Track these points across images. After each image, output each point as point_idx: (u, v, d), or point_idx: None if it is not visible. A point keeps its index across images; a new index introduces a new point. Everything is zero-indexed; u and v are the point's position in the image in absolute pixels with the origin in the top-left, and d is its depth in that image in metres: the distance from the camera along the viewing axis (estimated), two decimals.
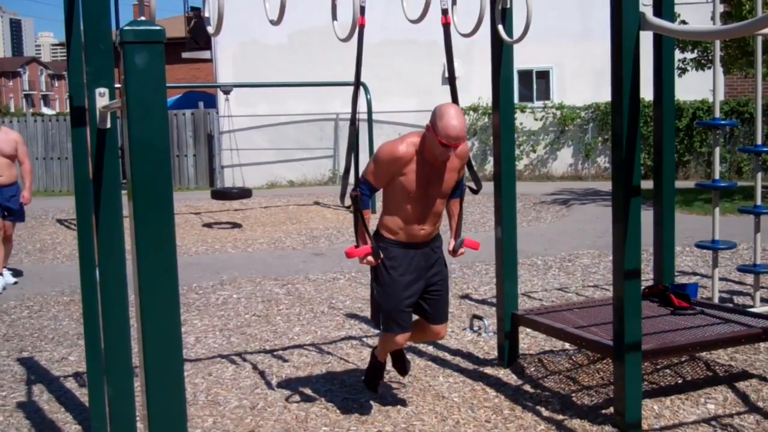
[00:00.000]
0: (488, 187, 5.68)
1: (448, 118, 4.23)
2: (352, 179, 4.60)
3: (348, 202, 4.61)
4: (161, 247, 2.63)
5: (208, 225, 13.81)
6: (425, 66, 18.62)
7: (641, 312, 4.40)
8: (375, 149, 16.09)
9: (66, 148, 19.25)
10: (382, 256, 4.50)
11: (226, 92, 14.13)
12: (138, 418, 3.88)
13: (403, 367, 4.99)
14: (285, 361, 5.86)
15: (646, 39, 4.46)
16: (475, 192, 4.72)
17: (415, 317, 4.69)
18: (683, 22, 13.47)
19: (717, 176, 6.39)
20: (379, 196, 4.72)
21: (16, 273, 9.14)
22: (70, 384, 5.52)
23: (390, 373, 5.21)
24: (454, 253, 4.73)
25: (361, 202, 4.48)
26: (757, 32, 4.71)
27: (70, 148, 4.22)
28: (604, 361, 5.43)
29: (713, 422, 4.51)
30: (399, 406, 4.87)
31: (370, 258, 4.48)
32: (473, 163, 4.95)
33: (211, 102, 19.98)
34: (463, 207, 4.84)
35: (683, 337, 4.87)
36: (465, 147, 4.51)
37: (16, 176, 8.87)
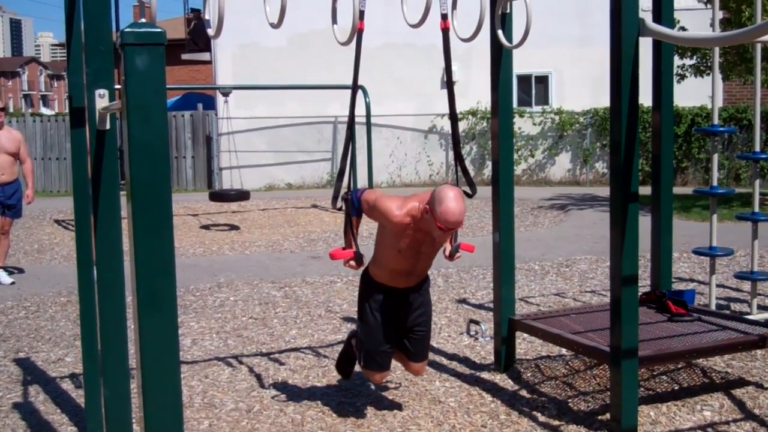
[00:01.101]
0: (486, 191, 5.69)
1: (447, 202, 4.11)
2: (345, 182, 4.61)
3: (340, 203, 4.63)
4: (159, 248, 2.63)
5: (206, 227, 13.81)
6: (424, 70, 18.64)
7: (638, 318, 4.40)
8: (373, 153, 16.00)
9: (65, 148, 19.24)
10: (369, 296, 4.58)
11: (225, 94, 14.14)
12: (134, 420, 3.87)
13: (347, 372, 5.09)
14: (281, 364, 5.86)
15: (646, 45, 4.47)
16: (469, 196, 4.73)
17: None
18: (682, 28, 13.51)
19: (715, 183, 6.39)
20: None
21: (19, 271, 9.14)
22: (67, 385, 5.51)
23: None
24: (450, 257, 4.74)
25: (351, 207, 4.50)
26: (756, 39, 4.72)
27: (69, 148, 4.22)
28: (601, 367, 5.43)
29: (709, 429, 4.51)
30: (395, 410, 4.87)
31: (352, 262, 4.54)
32: (469, 168, 4.94)
33: (210, 104, 19.99)
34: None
35: (680, 344, 4.87)
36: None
37: (17, 174, 8.96)
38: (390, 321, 4.58)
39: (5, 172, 8.77)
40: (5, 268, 9.02)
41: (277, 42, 18.41)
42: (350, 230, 4.55)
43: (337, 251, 4.57)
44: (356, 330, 4.78)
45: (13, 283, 8.81)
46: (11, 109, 58.01)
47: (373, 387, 5.26)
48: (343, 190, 4.57)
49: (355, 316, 7.05)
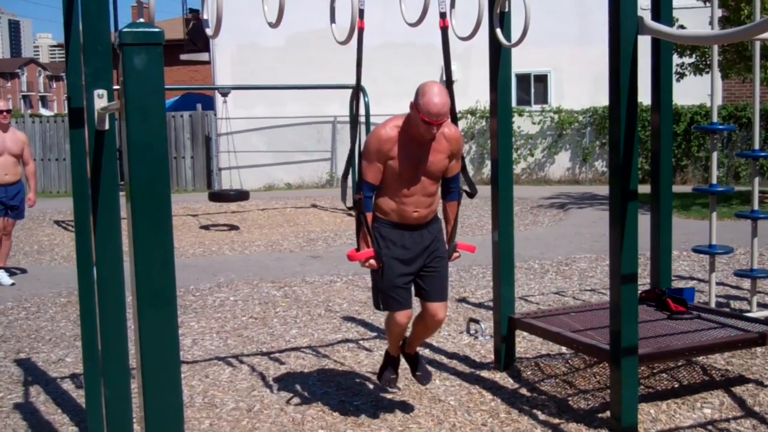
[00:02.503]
0: (485, 190, 5.69)
1: (430, 95, 4.22)
2: (351, 181, 4.61)
3: (350, 203, 4.62)
4: (158, 248, 2.63)
5: (206, 227, 13.81)
6: (423, 69, 18.53)
7: (638, 316, 4.41)
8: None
9: (64, 149, 19.24)
10: (377, 233, 4.52)
11: (224, 94, 14.13)
12: (135, 420, 3.88)
13: (421, 375, 4.92)
14: (282, 363, 5.86)
15: (645, 43, 4.47)
16: (470, 196, 4.72)
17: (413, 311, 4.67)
18: (681, 26, 13.50)
19: (714, 181, 6.40)
20: None
21: (21, 271, 9.13)
22: (67, 385, 5.51)
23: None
24: (448, 257, 4.73)
25: (363, 205, 4.48)
26: (755, 37, 4.72)
27: (68, 149, 4.23)
28: (601, 365, 5.44)
29: (710, 427, 4.51)
30: (395, 409, 4.87)
31: (372, 261, 4.48)
32: (468, 167, 4.94)
33: (209, 104, 19.98)
34: (460, 210, 4.84)
35: (680, 342, 4.87)
36: (456, 132, 4.50)
37: (20, 175, 8.98)
38: (400, 254, 4.50)
39: (9, 172, 8.79)
40: (6, 269, 9.02)
41: (276, 42, 18.41)
42: (366, 229, 4.53)
43: (355, 252, 4.53)
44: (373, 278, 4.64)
45: (13, 284, 8.82)
46: None
47: (372, 386, 5.27)
48: (350, 191, 4.54)
49: (355, 316, 7.08)
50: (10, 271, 9.20)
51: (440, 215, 4.68)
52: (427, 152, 4.43)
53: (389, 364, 4.93)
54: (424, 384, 4.98)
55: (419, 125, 4.29)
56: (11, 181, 8.82)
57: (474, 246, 4.90)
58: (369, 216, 4.52)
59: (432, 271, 4.61)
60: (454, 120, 4.75)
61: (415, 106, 4.28)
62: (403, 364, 5.01)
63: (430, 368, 5.08)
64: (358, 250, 4.53)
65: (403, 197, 4.47)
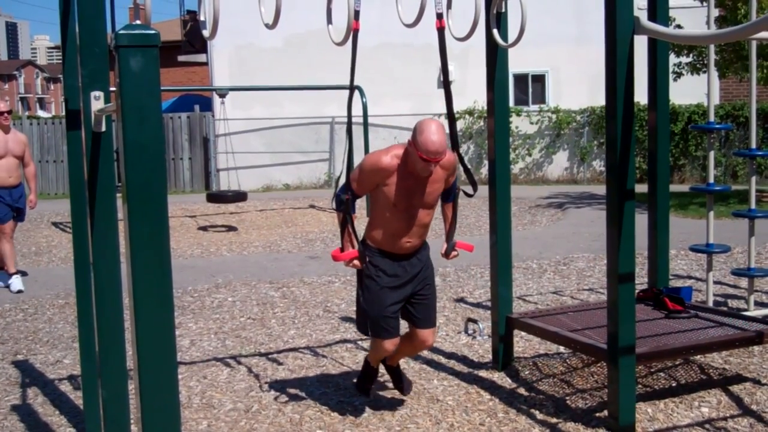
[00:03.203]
0: (484, 190, 5.69)
1: (428, 133, 4.22)
2: (341, 181, 4.63)
3: (335, 204, 4.65)
4: (156, 250, 2.63)
5: (204, 228, 13.81)
6: (421, 69, 18.65)
7: (635, 315, 4.41)
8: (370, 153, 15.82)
9: (61, 151, 19.23)
10: (368, 260, 4.53)
11: (222, 95, 14.13)
12: (132, 421, 3.88)
13: (402, 386, 5.01)
14: (280, 364, 5.86)
15: (641, 43, 4.48)
16: (470, 196, 4.73)
17: (402, 330, 4.70)
18: (678, 26, 13.52)
19: (712, 180, 6.40)
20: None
21: (23, 274, 9.10)
22: (65, 387, 5.51)
23: (385, 376, 5.21)
24: (446, 255, 4.74)
25: (350, 206, 4.50)
26: (752, 36, 4.72)
27: (66, 151, 4.22)
28: (599, 365, 5.44)
29: (707, 425, 4.52)
30: (393, 409, 4.88)
31: (356, 262, 4.51)
32: (469, 166, 4.95)
33: (207, 105, 19.98)
34: (458, 211, 4.85)
35: (677, 341, 4.88)
36: (450, 156, 4.51)
37: (22, 178, 8.93)
38: (391, 282, 4.52)
39: (12, 174, 8.70)
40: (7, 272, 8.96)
41: (273, 43, 18.41)
42: (351, 230, 4.55)
43: (339, 252, 4.56)
44: (357, 300, 4.68)
45: (20, 291, 8.74)
46: None
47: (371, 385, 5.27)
48: (336, 189, 4.57)
49: (353, 316, 7.07)
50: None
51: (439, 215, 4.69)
52: (424, 186, 4.44)
53: (369, 375, 4.99)
54: (405, 394, 5.04)
55: (417, 162, 4.28)
56: (15, 184, 8.74)
57: (472, 245, 4.91)
58: (353, 217, 4.55)
59: (422, 298, 4.66)
60: (453, 121, 4.76)
61: (413, 143, 4.27)
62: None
63: (428, 367, 5.09)
64: (342, 250, 4.55)
65: (396, 228, 4.49)
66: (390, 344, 4.62)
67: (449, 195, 4.72)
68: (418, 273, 4.62)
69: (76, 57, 3.84)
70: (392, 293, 4.54)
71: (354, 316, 7.07)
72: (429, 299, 4.69)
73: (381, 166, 4.40)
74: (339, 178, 16.59)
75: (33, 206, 9.07)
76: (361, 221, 4.76)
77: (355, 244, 4.55)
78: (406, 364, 5.35)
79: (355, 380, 5.15)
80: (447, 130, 4.45)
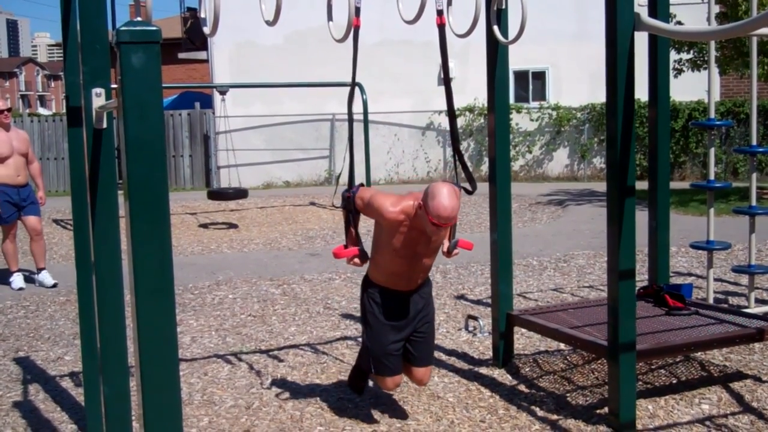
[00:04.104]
0: (484, 187, 5.70)
1: (440, 198, 4.11)
2: (345, 180, 4.62)
3: (338, 201, 4.63)
4: (157, 247, 2.64)
5: (204, 225, 13.81)
6: (421, 66, 18.64)
7: (636, 312, 4.42)
8: (371, 150, 16.03)
9: (62, 148, 19.22)
10: (369, 297, 4.55)
11: (223, 93, 14.13)
12: (134, 418, 3.88)
13: (360, 387, 4.97)
14: (280, 361, 5.87)
15: (642, 39, 4.48)
16: (469, 193, 4.73)
17: None
18: (679, 22, 13.51)
19: (712, 177, 6.40)
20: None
21: (30, 272, 9.08)
22: (66, 383, 5.52)
23: None
24: (448, 254, 4.74)
25: (353, 203, 4.50)
26: (753, 33, 4.73)
27: (67, 148, 4.23)
28: (599, 362, 5.45)
29: (707, 422, 4.52)
30: (394, 406, 4.88)
31: (357, 260, 4.51)
32: (468, 164, 4.95)
33: (208, 102, 19.98)
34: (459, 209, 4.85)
35: (678, 338, 4.88)
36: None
37: (29, 177, 8.81)
38: (393, 320, 4.53)
39: (20, 173, 8.57)
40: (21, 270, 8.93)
41: (273, 40, 18.41)
42: (353, 228, 4.55)
43: (341, 249, 4.56)
44: (365, 341, 4.71)
45: (55, 284, 8.71)
46: None
47: (371, 384, 5.27)
48: (341, 188, 4.57)
49: (354, 313, 7.08)
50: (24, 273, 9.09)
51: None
52: (429, 238, 4.38)
53: (361, 373, 4.95)
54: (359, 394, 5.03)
55: (427, 225, 4.19)
56: (23, 183, 8.62)
57: (471, 243, 4.91)
58: (356, 216, 4.55)
59: (421, 336, 4.64)
60: (453, 118, 4.77)
61: (424, 207, 4.16)
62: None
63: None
64: (346, 247, 4.56)
65: (398, 271, 4.47)
66: (391, 382, 4.63)
67: None
68: (420, 311, 4.61)
69: (77, 54, 3.84)
70: (394, 331, 4.54)
71: (354, 313, 7.10)
72: (427, 337, 4.68)
73: (387, 218, 4.33)
74: (339, 176, 16.63)
75: (42, 203, 8.99)
76: (363, 222, 4.75)
77: (357, 242, 4.55)
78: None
79: (347, 379, 5.12)
80: (455, 186, 4.37)
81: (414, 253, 4.42)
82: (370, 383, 5.05)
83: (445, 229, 4.30)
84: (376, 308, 4.54)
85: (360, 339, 6.28)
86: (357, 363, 4.99)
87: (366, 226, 4.84)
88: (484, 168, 18.27)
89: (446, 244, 4.74)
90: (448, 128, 4.49)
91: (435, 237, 4.38)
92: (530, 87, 19.57)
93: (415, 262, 4.46)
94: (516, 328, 5.65)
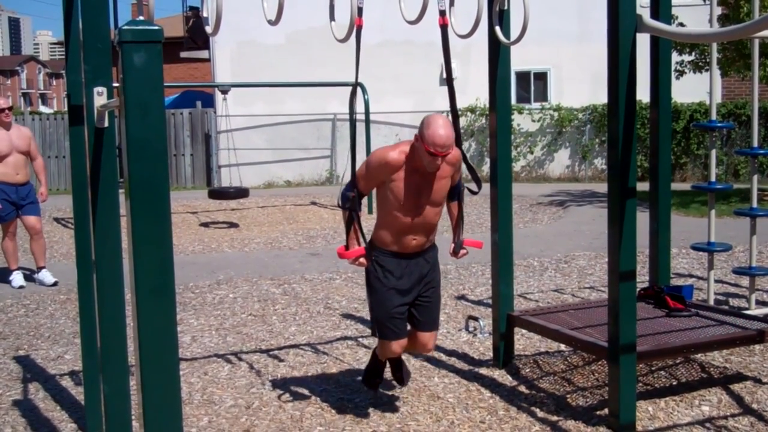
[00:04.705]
0: (485, 188, 5.70)
1: (435, 127, 4.24)
2: (347, 179, 4.62)
3: (344, 203, 4.62)
4: (158, 246, 2.64)
5: (205, 224, 13.82)
6: (423, 67, 18.64)
7: (636, 314, 4.42)
8: (372, 150, 16.09)
9: (63, 146, 19.22)
10: (375, 260, 4.53)
11: (224, 92, 14.13)
12: (134, 417, 3.89)
13: (401, 377, 4.99)
14: (281, 360, 5.87)
15: (644, 41, 4.48)
16: (474, 193, 4.73)
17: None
18: (681, 24, 13.51)
19: (713, 178, 6.40)
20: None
21: (31, 272, 9.08)
22: (66, 382, 5.52)
23: (385, 373, 5.21)
24: (455, 254, 4.74)
25: (356, 204, 4.50)
26: (754, 35, 4.73)
27: (68, 146, 4.23)
28: (599, 363, 5.45)
29: (707, 424, 4.52)
30: (394, 407, 4.88)
31: (362, 260, 4.51)
32: (472, 164, 4.95)
33: (209, 101, 19.98)
34: (463, 209, 4.85)
35: (678, 339, 4.88)
36: (456, 153, 4.50)
37: (29, 175, 8.76)
38: (398, 284, 4.51)
39: (20, 171, 8.51)
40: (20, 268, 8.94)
41: (275, 39, 18.41)
42: (357, 227, 4.55)
43: (345, 250, 4.56)
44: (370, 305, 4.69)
45: (56, 282, 8.72)
46: None
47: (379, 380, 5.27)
48: (342, 187, 4.57)
49: (354, 313, 7.09)
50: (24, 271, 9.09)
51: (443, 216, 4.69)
52: (431, 183, 4.43)
53: (377, 369, 4.97)
54: (403, 385, 5.03)
55: (424, 157, 4.28)
56: (23, 181, 8.55)
57: (481, 242, 4.91)
58: (359, 215, 4.56)
59: (426, 301, 4.64)
60: (456, 118, 4.76)
61: (420, 138, 4.27)
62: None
63: (428, 365, 5.09)
64: (347, 248, 4.55)
65: (403, 226, 4.47)
66: (397, 345, 4.61)
67: (454, 193, 4.71)
68: (426, 274, 4.61)
69: (79, 53, 3.84)
70: (399, 295, 4.53)
71: (354, 313, 7.10)
72: (433, 302, 4.68)
73: (387, 161, 4.39)
74: (342, 176, 16.63)
75: (44, 199, 8.95)
76: (364, 220, 4.75)
77: (361, 241, 4.55)
78: (406, 360, 5.33)
79: (361, 377, 5.14)
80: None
81: (417, 204, 4.42)
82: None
83: (441, 160, 4.31)
84: (380, 271, 4.53)
85: (360, 340, 6.30)
86: (370, 361, 4.98)
87: (367, 226, 4.84)
88: (486, 168, 18.25)
89: (452, 245, 4.74)
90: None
91: (433, 174, 4.39)
92: (532, 88, 19.56)
93: (419, 215, 4.45)
94: (516, 329, 5.65)
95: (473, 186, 4.73)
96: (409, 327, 4.68)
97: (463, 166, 4.70)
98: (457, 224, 4.79)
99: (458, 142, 4.74)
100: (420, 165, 4.35)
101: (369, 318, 4.78)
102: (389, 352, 4.69)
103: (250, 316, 7.23)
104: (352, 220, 4.54)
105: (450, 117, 4.72)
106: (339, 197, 4.72)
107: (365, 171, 4.50)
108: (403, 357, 5.01)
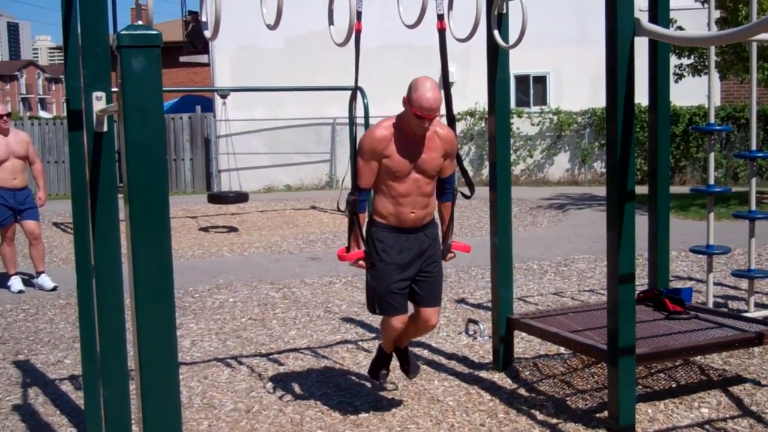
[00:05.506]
0: (485, 191, 5.71)
1: (422, 89, 4.29)
2: (348, 183, 4.63)
3: (343, 205, 4.64)
4: (157, 250, 2.64)
5: (205, 229, 13.82)
6: (422, 70, 18.34)
7: (635, 316, 4.42)
8: None
9: (63, 151, 19.22)
10: (374, 235, 4.54)
11: (224, 96, 14.14)
12: (133, 421, 3.89)
13: (408, 369, 4.98)
14: (281, 364, 5.87)
15: (642, 44, 4.49)
16: (467, 197, 4.74)
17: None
18: (680, 28, 13.52)
19: (712, 182, 6.41)
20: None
21: (30, 276, 9.08)
22: (66, 387, 5.52)
23: (388, 375, 5.22)
24: (443, 257, 4.74)
25: (358, 206, 4.51)
26: (752, 38, 4.73)
27: (67, 151, 4.23)
28: (599, 365, 5.45)
29: (707, 426, 4.52)
30: (394, 410, 4.88)
31: (362, 262, 4.54)
32: (468, 168, 4.96)
33: (209, 106, 20.00)
34: (459, 211, 4.85)
35: (677, 342, 4.88)
36: (450, 133, 4.54)
37: (28, 180, 8.75)
38: (397, 258, 4.51)
39: (17, 176, 8.50)
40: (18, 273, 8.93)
41: (275, 44, 18.43)
42: (358, 229, 4.56)
43: (346, 252, 4.57)
44: (367, 279, 4.67)
45: (55, 287, 8.70)
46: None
47: (370, 386, 5.28)
48: (345, 191, 4.58)
49: (354, 317, 7.08)
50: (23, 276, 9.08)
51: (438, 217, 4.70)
52: (420, 150, 4.47)
53: (382, 360, 4.98)
54: (411, 377, 5.02)
55: (411, 120, 4.35)
56: (20, 186, 8.55)
57: (469, 246, 4.91)
58: (362, 217, 4.57)
59: (427, 276, 4.62)
60: (453, 122, 4.77)
61: (407, 101, 4.35)
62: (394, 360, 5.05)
63: (428, 368, 5.09)
64: (348, 250, 4.56)
65: (399, 197, 4.48)
66: (398, 321, 4.59)
67: (447, 191, 4.71)
68: (426, 250, 4.59)
69: (78, 57, 3.85)
70: (399, 270, 4.52)
71: (354, 317, 7.11)
72: (434, 277, 4.65)
73: (377, 138, 4.43)
74: (343, 180, 16.61)
75: (42, 204, 8.95)
76: (364, 222, 4.76)
77: (362, 244, 4.56)
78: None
79: (360, 379, 5.14)
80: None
81: (410, 173, 4.45)
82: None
83: (429, 123, 4.35)
84: (379, 246, 4.53)
85: (360, 343, 6.30)
86: (377, 351, 4.98)
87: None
88: (485, 172, 18.26)
89: (441, 248, 4.74)
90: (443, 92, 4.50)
91: (423, 142, 4.44)
92: (531, 91, 19.58)
93: (413, 185, 4.47)
94: (516, 332, 5.65)
95: (466, 190, 4.74)
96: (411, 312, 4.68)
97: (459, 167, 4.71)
98: (448, 227, 4.79)
99: (451, 123, 4.73)
100: (409, 130, 4.41)
101: (366, 314, 4.76)
102: (391, 329, 4.66)
103: (250, 320, 7.23)
104: (353, 223, 4.56)
105: (445, 121, 4.73)
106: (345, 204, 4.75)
107: (362, 159, 4.50)
108: (414, 349, 4.99)
